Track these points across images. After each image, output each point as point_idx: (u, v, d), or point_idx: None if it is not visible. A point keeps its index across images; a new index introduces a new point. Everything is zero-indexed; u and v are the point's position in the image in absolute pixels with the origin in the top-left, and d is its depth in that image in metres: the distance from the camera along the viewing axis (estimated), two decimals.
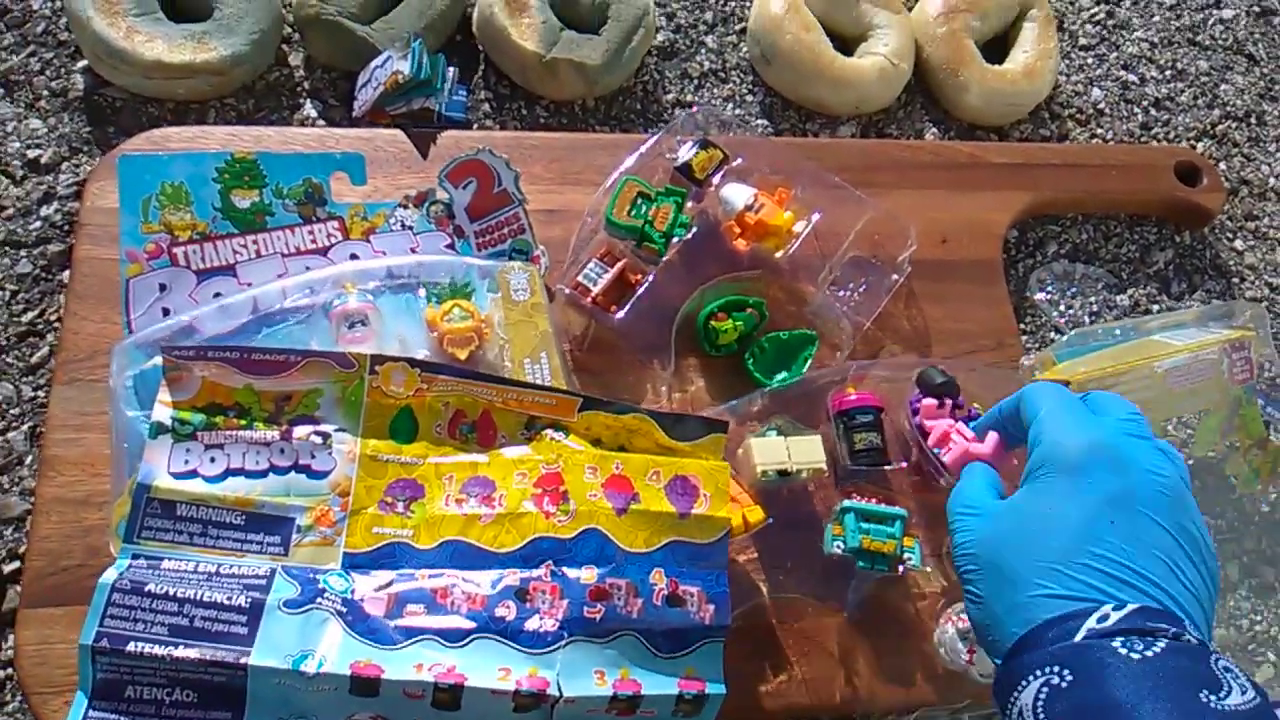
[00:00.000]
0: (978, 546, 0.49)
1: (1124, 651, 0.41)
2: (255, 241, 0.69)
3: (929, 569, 0.71)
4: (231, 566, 0.58)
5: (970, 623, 0.50)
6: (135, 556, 0.57)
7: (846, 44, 0.93)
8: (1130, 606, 0.43)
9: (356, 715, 0.56)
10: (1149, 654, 0.40)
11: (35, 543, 0.63)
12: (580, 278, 0.73)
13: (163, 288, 0.67)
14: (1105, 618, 0.42)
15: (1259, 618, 0.80)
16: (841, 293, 0.79)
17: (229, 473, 0.60)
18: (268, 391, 0.62)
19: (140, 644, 0.54)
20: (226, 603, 0.55)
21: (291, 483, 0.60)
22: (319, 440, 0.61)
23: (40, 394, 0.70)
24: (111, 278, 0.68)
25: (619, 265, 0.73)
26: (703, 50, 0.93)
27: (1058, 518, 0.46)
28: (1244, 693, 0.40)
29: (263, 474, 0.60)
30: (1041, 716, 0.41)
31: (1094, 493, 0.46)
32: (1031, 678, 0.42)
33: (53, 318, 0.73)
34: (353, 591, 0.58)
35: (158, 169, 0.69)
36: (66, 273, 0.73)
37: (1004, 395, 0.75)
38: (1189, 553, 0.46)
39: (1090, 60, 1.02)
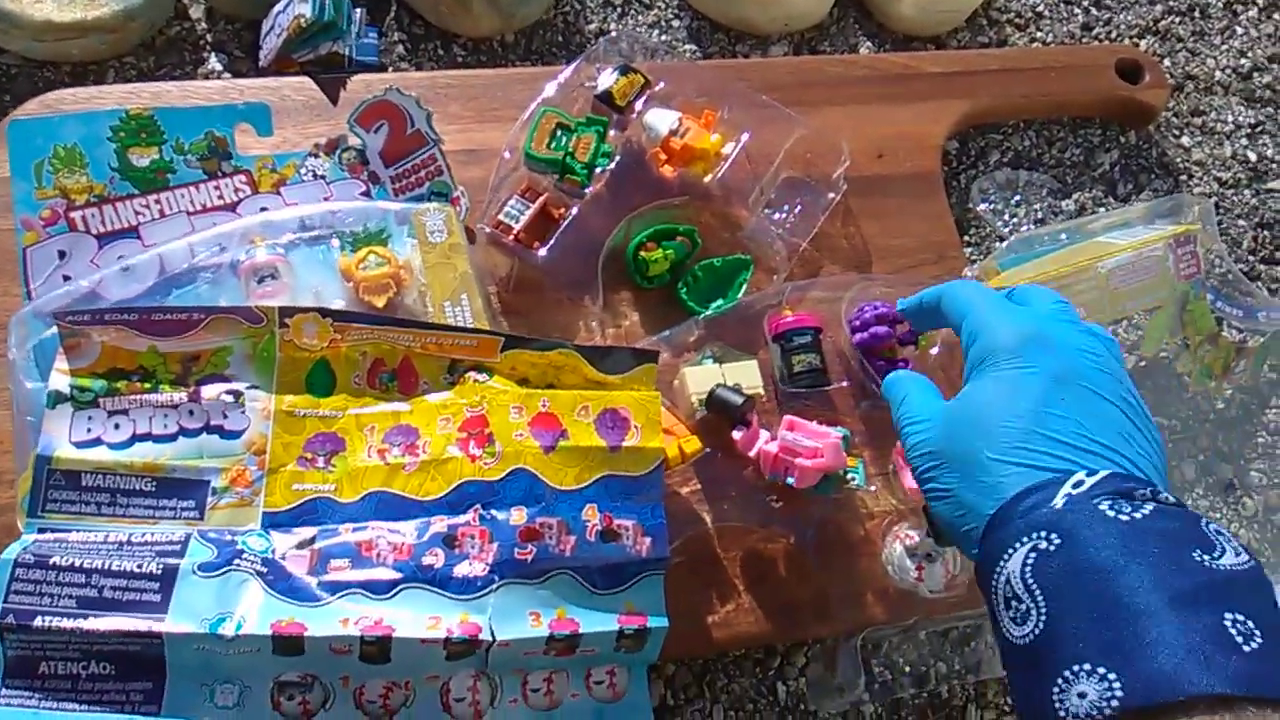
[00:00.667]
0: (935, 444, 0.49)
1: (1111, 513, 0.41)
2: (158, 201, 0.67)
3: (874, 488, 0.70)
4: (144, 534, 0.56)
5: (939, 522, 0.50)
6: (41, 530, 0.55)
7: None
8: (1102, 473, 0.43)
9: (283, 675, 0.54)
10: (1137, 515, 0.41)
11: None
12: (501, 216, 0.71)
13: (62, 255, 0.65)
14: (1080, 483, 0.43)
15: (1218, 515, 0.79)
16: (776, 215, 0.77)
17: (135, 438, 0.58)
18: (173, 353, 0.60)
19: (48, 618, 0.52)
20: (138, 570, 0.54)
21: (203, 444, 0.59)
22: (230, 399, 0.59)
23: None
24: (10, 249, 0.66)
25: (540, 200, 0.71)
26: None
27: (1009, 402, 0.47)
28: (1238, 554, 0.40)
29: (172, 438, 0.58)
30: (1031, 581, 0.41)
31: (1039, 375, 0.47)
32: (1016, 545, 0.42)
33: None
34: (273, 550, 0.56)
35: (49, 132, 0.66)
36: None
37: None
38: (1136, 423, 0.47)
39: None
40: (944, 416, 0.50)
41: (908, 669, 0.68)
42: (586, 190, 0.72)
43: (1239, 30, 0.99)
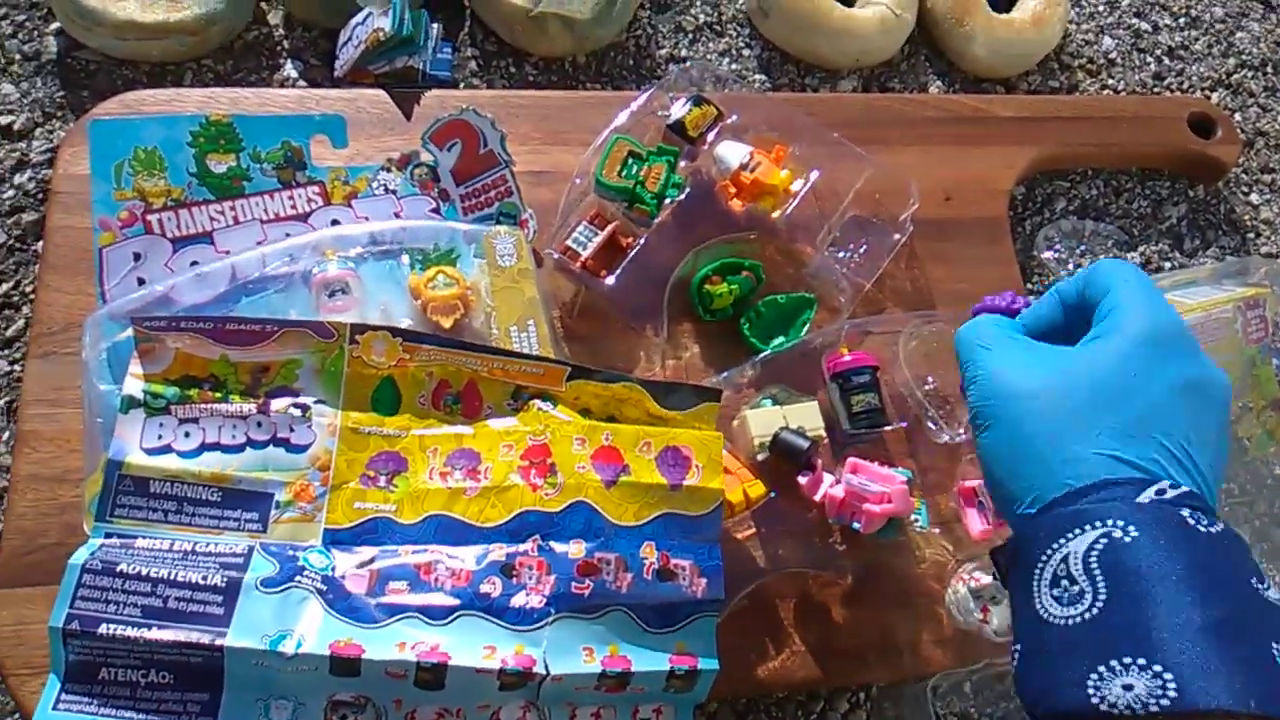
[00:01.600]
0: (1036, 380, 0.46)
1: (1192, 522, 0.41)
2: (233, 208, 0.67)
3: (937, 531, 0.70)
4: (208, 545, 0.56)
5: (987, 460, 0.47)
6: (108, 535, 0.56)
7: None
8: (1184, 488, 0.42)
9: (337, 695, 0.54)
10: (1214, 530, 0.41)
11: (11, 521, 0.61)
12: (569, 242, 0.70)
13: (137, 257, 0.65)
14: (1163, 491, 0.42)
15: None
16: (841, 254, 0.76)
17: (204, 448, 0.58)
18: (244, 363, 0.60)
19: (112, 626, 0.52)
20: (202, 582, 0.54)
21: (269, 457, 0.59)
22: (298, 413, 0.59)
23: (16, 368, 0.69)
24: (85, 247, 0.66)
25: (609, 228, 0.71)
26: (697, 2, 0.90)
27: (1137, 384, 0.45)
28: (1278, 591, 0.41)
29: (239, 449, 0.58)
30: (1094, 566, 0.41)
31: (1176, 371, 0.45)
32: (1088, 528, 0.41)
33: (28, 289, 0.71)
34: (333, 569, 0.56)
35: (130, 134, 0.67)
36: (40, 243, 0.71)
37: None
38: (1224, 458, 0.46)
39: (1101, 7, 0.98)
40: (1055, 356, 0.47)
41: (953, 718, 0.68)
42: (655, 220, 0.72)
43: None
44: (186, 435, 0.58)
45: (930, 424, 0.72)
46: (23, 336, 0.69)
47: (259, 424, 0.59)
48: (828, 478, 0.67)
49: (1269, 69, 0.98)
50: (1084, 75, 0.95)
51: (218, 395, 0.59)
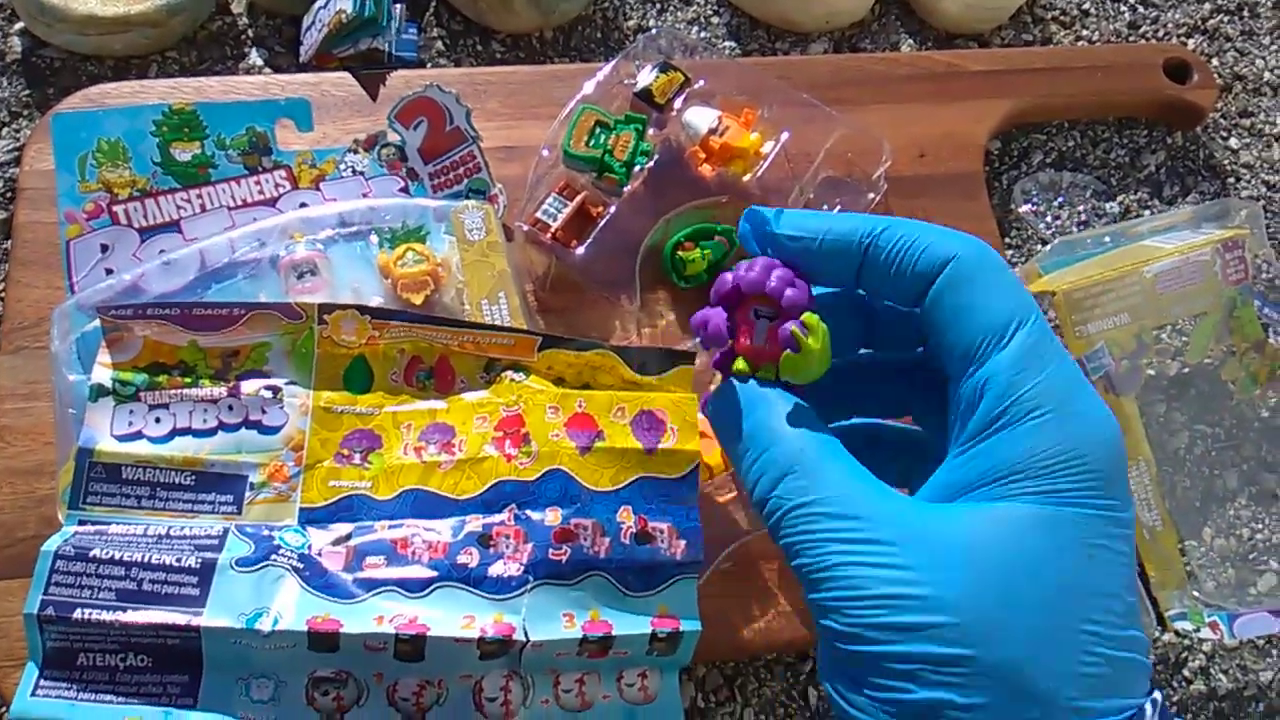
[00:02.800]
0: (952, 634, 0.29)
1: None
2: (199, 195, 0.67)
3: None
4: (183, 528, 0.56)
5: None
6: (81, 523, 0.56)
7: None
8: (1158, 695, 0.31)
9: (318, 671, 0.54)
10: None
11: None
12: (539, 214, 0.70)
13: (105, 248, 0.65)
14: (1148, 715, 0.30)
15: (1260, 526, 0.78)
16: None
17: (175, 433, 0.58)
18: (213, 348, 0.60)
19: (87, 610, 0.52)
20: (176, 564, 0.54)
21: (242, 440, 0.59)
22: (269, 394, 0.60)
23: None
24: (54, 242, 0.66)
25: (579, 198, 0.71)
26: None
27: (1100, 575, 0.30)
28: None
29: (211, 432, 0.58)
30: None
31: (1128, 532, 0.31)
32: None
33: (0, 288, 0.71)
34: (309, 547, 0.56)
35: (93, 125, 0.67)
36: (10, 241, 0.71)
37: None
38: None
39: None
40: (950, 566, 0.29)
41: None
42: (624, 189, 0.71)
43: None
44: (157, 421, 0.58)
45: None
46: None
47: (230, 407, 0.59)
48: None
49: (1245, 12, 0.97)
50: (1057, 27, 0.94)
51: (187, 380, 0.59)
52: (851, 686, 0.31)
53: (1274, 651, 0.74)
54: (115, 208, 0.66)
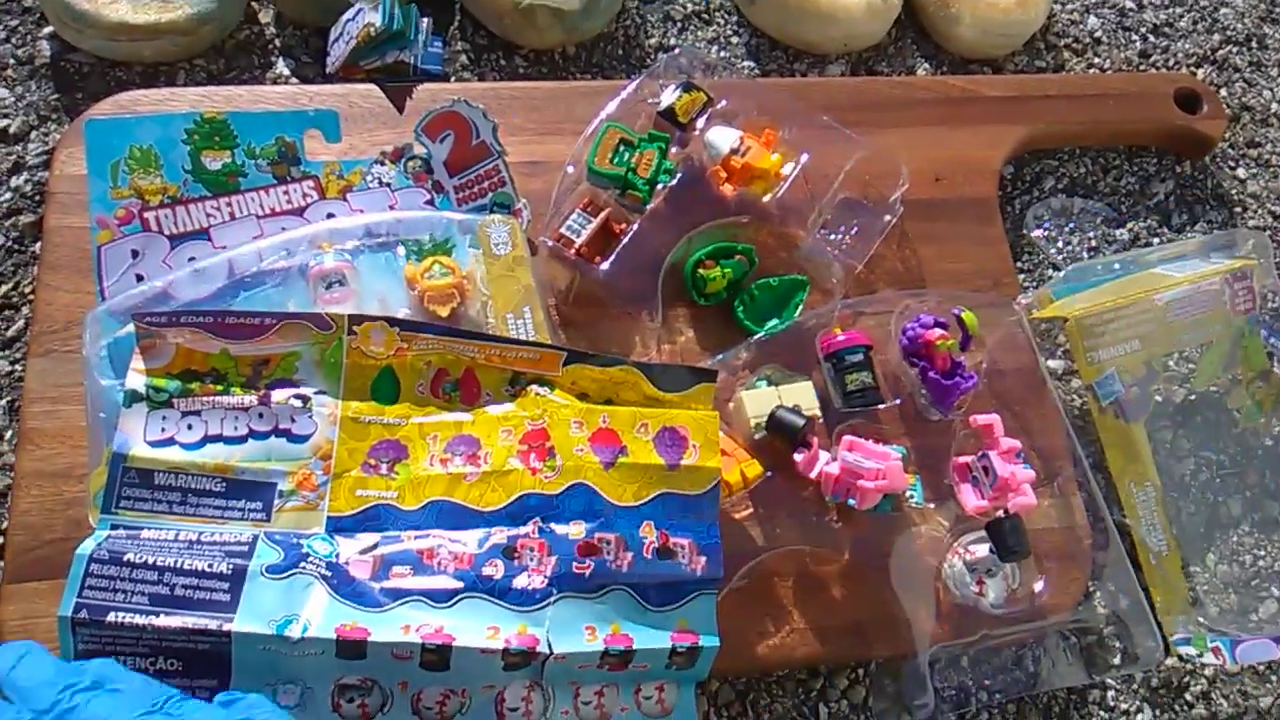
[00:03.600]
0: None
1: None
2: (229, 204, 0.68)
3: (932, 505, 0.70)
4: (213, 534, 0.57)
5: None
6: (114, 527, 0.56)
7: None
8: None
9: (344, 679, 0.55)
10: None
11: (16, 517, 0.62)
12: (563, 229, 0.71)
13: (135, 254, 0.66)
14: None
15: (1262, 553, 0.79)
16: (833, 236, 0.77)
17: (207, 439, 0.59)
18: (245, 356, 0.61)
19: (120, 614, 0.53)
20: (208, 570, 0.55)
21: (272, 448, 0.59)
22: (299, 404, 0.60)
23: (17, 368, 0.69)
24: (83, 247, 0.67)
25: (602, 215, 0.72)
26: None
27: None
28: None
29: (242, 439, 0.59)
30: None
31: None
32: None
33: (27, 290, 0.71)
34: (337, 555, 0.57)
35: (125, 132, 0.67)
36: (39, 244, 0.72)
37: (1000, 332, 0.75)
38: None
39: None
40: None
41: (950, 692, 0.69)
42: (648, 206, 0.72)
43: None
44: (189, 428, 0.59)
45: (923, 401, 0.73)
46: (23, 337, 0.70)
47: (260, 415, 0.60)
48: (823, 455, 0.67)
49: (1253, 44, 0.99)
50: (1070, 54, 0.95)
51: (219, 388, 0.60)
52: None
53: (1274, 678, 0.75)
54: (146, 214, 0.67)
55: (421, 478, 0.60)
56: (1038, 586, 0.69)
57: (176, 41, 0.77)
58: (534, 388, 0.63)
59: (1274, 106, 0.96)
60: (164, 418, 0.59)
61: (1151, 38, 0.97)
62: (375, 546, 0.58)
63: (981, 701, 0.69)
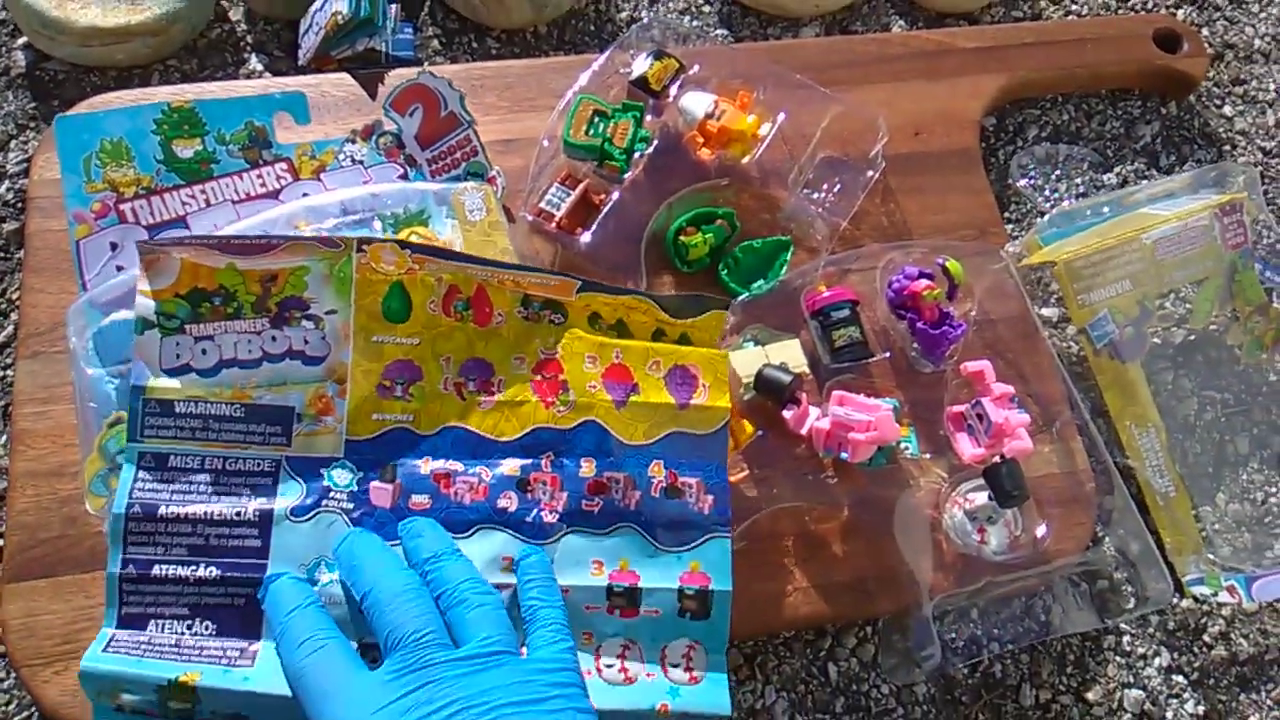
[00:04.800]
0: None
1: None
2: (203, 191, 0.68)
3: (927, 456, 0.70)
4: (236, 460, 0.58)
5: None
6: (141, 455, 0.57)
7: None
8: None
9: (366, 638, 0.55)
10: None
11: (13, 517, 0.62)
12: (542, 204, 0.71)
13: (114, 246, 0.66)
14: None
15: (1274, 489, 0.77)
16: (815, 194, 0.76)
17: (222, 364, 0.59)
18: (252, 271, 0.60)
19: (164, 567, 0.55)
20: (236, 518, 0.56)
21: (287, 371, 0.59)
22: (310, 325, 0.60)
23: (7, 373, 0.70)
24: (64, 248, 0.67)
25: (581, 187, 0.71)
26: None
27: None
28: None
29: (256, 364, 0.59)
30: None
31: None
32: None
33: (15, 297, 0.72)
34: (357, 483, 0.58)
35: (95, 126, 0.68)
36: (23, 250, 0.72)
37: (988, 280, 0.74)
38: None
39: None
40: None
41: (960, 644, 0.68)
42: (625, 175, 0.72)
43: None
44: (204, 353, 0.59)
45: (914, 354, 0.72)
46: (11, 343, 0.70)
47: (273, 338, 0.60)
48: (813, 411, 0.67)
49: None
50: (1046, 3, 0.95)
51: (230, 309, 0.60)
52: None
53: None
54: (122, 206, 0.67)
55: (436, 400, 0.60)
56: (1040, 531, 0.68)
57: (148, 43, 0.77)
58: (547, 314, 0.63)
59: (1257, 43, 0.95)
60: (178, 344, 0.58)
61: None
62: (394, 472, 0.59)
63: (993, 652, 0.68)
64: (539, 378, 0.61)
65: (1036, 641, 0.69)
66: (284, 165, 0.69)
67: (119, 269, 0.65)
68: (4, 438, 0.68)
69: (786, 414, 0.66)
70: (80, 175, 0.67)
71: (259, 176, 0.69)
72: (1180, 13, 0.96)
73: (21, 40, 0.80)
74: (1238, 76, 0.93)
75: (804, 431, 0.67)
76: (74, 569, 0.61)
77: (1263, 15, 0.97)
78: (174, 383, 0.58)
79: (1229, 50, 0.94)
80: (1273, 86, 0.93)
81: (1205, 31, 0.95)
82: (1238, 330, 0.79)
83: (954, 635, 0.68)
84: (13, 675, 0.63)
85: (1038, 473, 0.70)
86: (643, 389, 0.61)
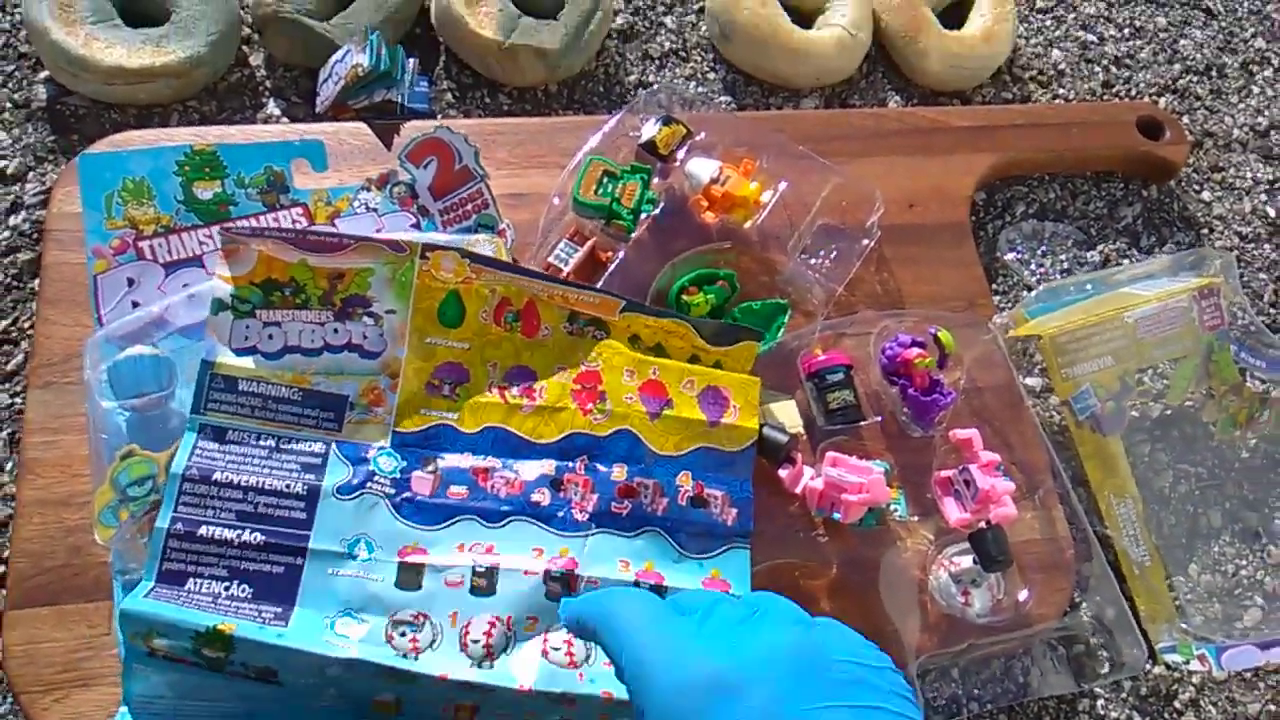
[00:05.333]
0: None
1: None
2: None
3: (915, 518, 0.72)
4: (289, 441, 0.61)
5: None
6: (203, 427, 0.60)
7: (804, 17, 0.94)
8: None
9: (399, 614, 0.58)
10: None
11: (18, 545, 0.63)
12: (551, 258, 0.73)
13: (131, 282, 0.68)
14: None
15: (1244, 562, 0.80)
16: (812, 260, 0.79)
17: (286, 350, 0.63)
18: (321, 268, 0.64)
19: (211, 529, 0.57)
20: (286, 490, 0.59)
21: (345, 362, 0.63)
22: (370, 321, 0.64)
23: (17, 401, 0.70)
24: (80, 281, 0.69)
25: (589, 244, 0.74)
26: (662, 30, 0.94)
27: None
28: None
29: (317, 352, 0.63)
30: None
31: None
32: None
33: (26, 325, 0.73)
34: (400, 470, 0.61)
35: (118, 165, 0.69)
36: (37, 280, 0.73)
37: (977, 351, 0.77)
38: None
39: (1049, 22, 1.03)
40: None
41: (941, 703, 0.69)
42: (632, 235, 0.74)
43: (1255, 90, 1.02)
44: (270, 337, 0.63)
45: (904, 418, 0.74)
46: (21, 371, 0.71)
47: (335, 330, 0.64)
48: (808, 471, 0.69)
49: (1213, 73, 1.03)
50: (1035, 86, 0.99)
51: (298, 300, 0.63)
52: None
53: (1260, 684, 0.76)
54: (140, 243, 0.68)
55: (480, 402, 0.64)
56: (1022, 596, 0.70)
57: (170, 84, 0.79)
58: (591, 329, 0.67)
59: (1235, 132, 0.99)
60: (247, 326, 0.63)
61: (1114, 69, 1.01)
62: (435, 463, 0.62)
63: (973, 711, 0.70)
64: (579, 387, 0.65)
65: (1015, 702, 0.71)
66: (300, 210, 0.71)
67: (135, 304, 0.67)
68: (10, 465, 0.69)
69: (782, 473, 0.68)
70: (102, 211, 0.68)
71: (275, 219, 0.71)
72: (1163, 101, 1.00)
73: (44, 74, 0.81)
74: (1216, 164, 0.97)
75: (798, 491, 0.69)
76: (78, 598, 0.62)
77: (1241, 106, 1.01)
78: (240, 361, 0.62)
79: (1208, 138, 0.99)
80: (1249, 174, 0.97)
81: (1186, 120, 0.99)
82: (1213, 408, 0.83)
83: (935, 694, 0.70)
84: (10, 701, 0.63)
85: (1020, 538, 0.72)
86: (676, 404, 0.65)
